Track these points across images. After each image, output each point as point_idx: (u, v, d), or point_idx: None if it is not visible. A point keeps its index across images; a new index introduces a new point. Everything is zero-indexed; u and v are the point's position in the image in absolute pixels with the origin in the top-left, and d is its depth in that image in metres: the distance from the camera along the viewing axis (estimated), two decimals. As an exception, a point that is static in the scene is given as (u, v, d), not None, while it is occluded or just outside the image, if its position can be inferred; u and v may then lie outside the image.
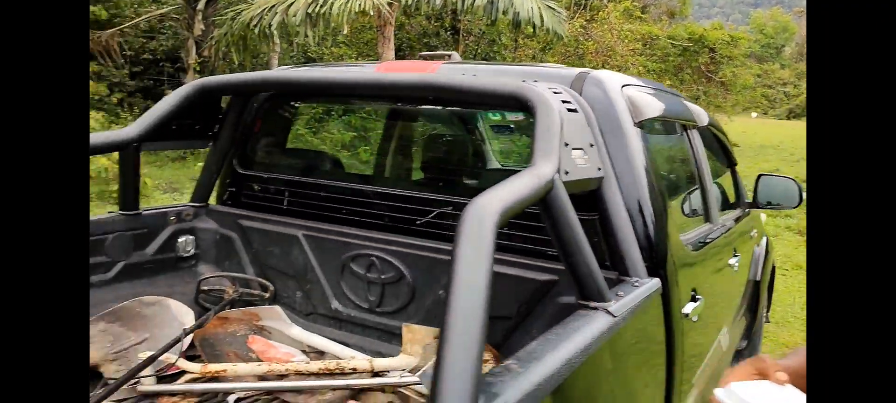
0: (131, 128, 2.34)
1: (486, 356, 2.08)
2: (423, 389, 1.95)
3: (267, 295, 2.56)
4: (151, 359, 2.05)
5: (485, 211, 1.18)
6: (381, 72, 2.25)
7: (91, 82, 11.38)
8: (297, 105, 2.95)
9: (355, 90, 2.30)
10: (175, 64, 13.58)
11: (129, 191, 2.44)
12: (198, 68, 12.25)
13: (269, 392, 2.13)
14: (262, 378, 2.14)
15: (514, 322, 2.06)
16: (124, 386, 1.98)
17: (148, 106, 13.21)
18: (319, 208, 2.53)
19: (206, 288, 2.54)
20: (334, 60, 13.18)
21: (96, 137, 2.45)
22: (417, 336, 2.17)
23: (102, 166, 8.71)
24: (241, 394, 2.11)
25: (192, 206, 2.69)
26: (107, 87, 12.25)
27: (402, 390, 2.06)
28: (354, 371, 2.13)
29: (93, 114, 10.31)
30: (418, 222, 2.32)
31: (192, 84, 2.40)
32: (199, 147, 2.69)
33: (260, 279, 2.59)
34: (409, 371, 2.10)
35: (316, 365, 2.14)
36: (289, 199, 2.62)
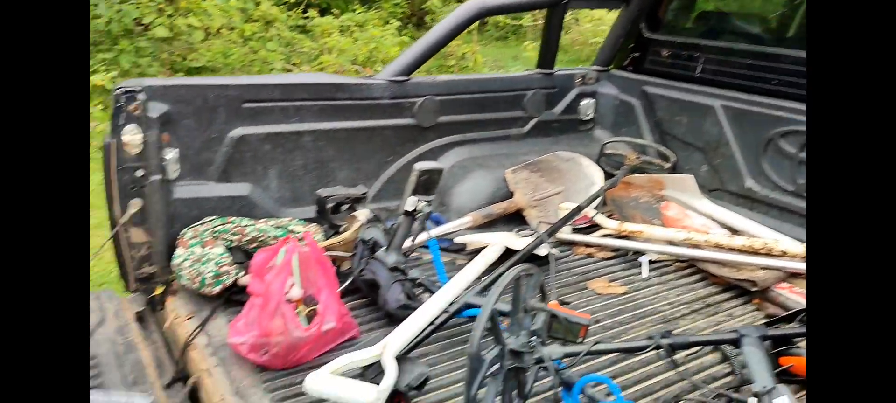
0: None
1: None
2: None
3: (667, 165, 2.50)
4: (578, 210, 2.16)
5: None
6: None
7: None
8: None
9: None
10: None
11: (550, 51, 2.54)
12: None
13: (684, 259, 2.11)
14: (674, 244, 2.12)
15: None
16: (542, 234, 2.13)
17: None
18: (743, 77, 2.32)
19: (608, 151, 2.58)
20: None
21: None
22: (871, 227, 1.90)
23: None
24: (655, 256, 2.13)
25: (596, 70, 2.71)
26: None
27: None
28: (784, 254, 1.97)
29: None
30: None
31: None
32: (614, 7, 2.65)
33: (661, 148, 2.53)
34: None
35: (739, 241, 2.04)
36: (703, 66, 2.46)
